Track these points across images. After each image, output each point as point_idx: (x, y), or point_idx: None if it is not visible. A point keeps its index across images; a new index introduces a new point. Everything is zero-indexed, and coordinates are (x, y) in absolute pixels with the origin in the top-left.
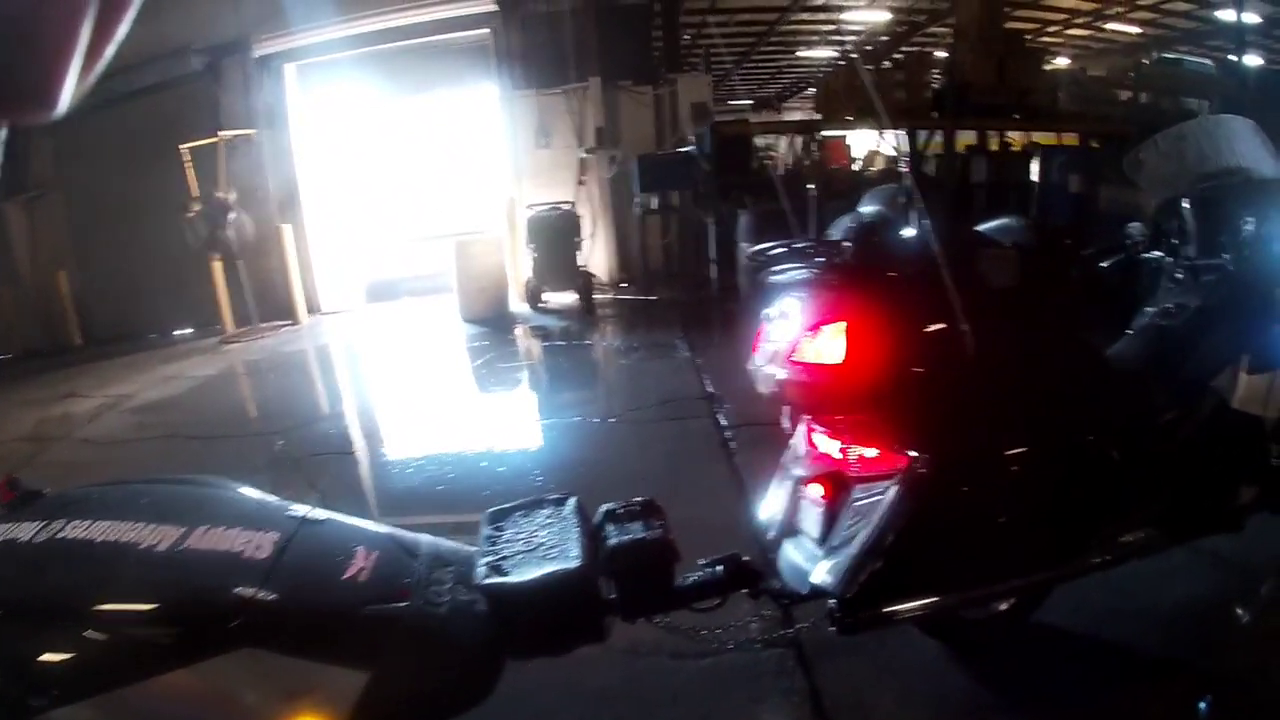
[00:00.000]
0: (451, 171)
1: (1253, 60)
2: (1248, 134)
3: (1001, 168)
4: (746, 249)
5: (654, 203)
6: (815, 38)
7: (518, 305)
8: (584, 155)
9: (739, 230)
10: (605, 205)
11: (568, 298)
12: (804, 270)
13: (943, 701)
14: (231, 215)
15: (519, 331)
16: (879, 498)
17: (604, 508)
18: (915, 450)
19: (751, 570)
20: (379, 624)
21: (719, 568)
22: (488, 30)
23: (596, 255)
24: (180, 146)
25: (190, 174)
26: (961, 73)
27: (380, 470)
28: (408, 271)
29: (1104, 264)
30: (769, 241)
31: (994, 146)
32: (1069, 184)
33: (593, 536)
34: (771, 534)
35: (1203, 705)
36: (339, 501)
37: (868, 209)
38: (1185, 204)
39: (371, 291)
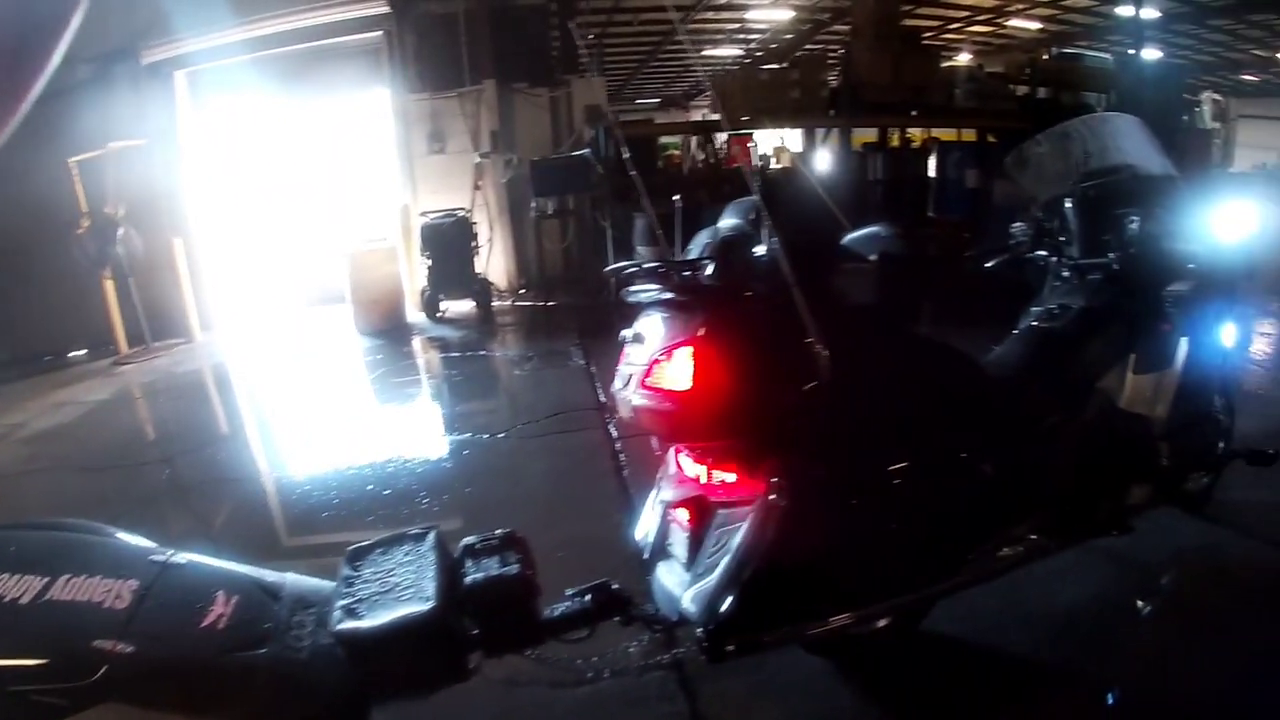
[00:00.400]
0: (347, 179)
1: (1150, 55)
2: (1133, 131)
3: (898, 164)
4: (643, 252)
5: (550, 207)
6: (720, 36)
7: (415, 315)
8: (479, 160)
9: (635, 234)
10: (502, 210)
11: (466, 306)
12: (657, 291)
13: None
14: (120, 231)
15: (415, 343)
16: (739, 524)
17: (464, 542)
18: (773, 475)
19: (621, 598)
20: (239, 672)
21: (587, 597)
22: (380, 33)
23: (495, 262)
24: (69, 160)
25: (79, 188)
26: (857, 71)
27: (264, 497)
28: (305, 282)
29: (989, 264)
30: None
31: (895, 143)
32: (965, 179)
33: (450, 573)
34: (645, 556)
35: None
36: (222, 532)
37: (727, 223)
38: (1068, 203)
39: (267, 304)
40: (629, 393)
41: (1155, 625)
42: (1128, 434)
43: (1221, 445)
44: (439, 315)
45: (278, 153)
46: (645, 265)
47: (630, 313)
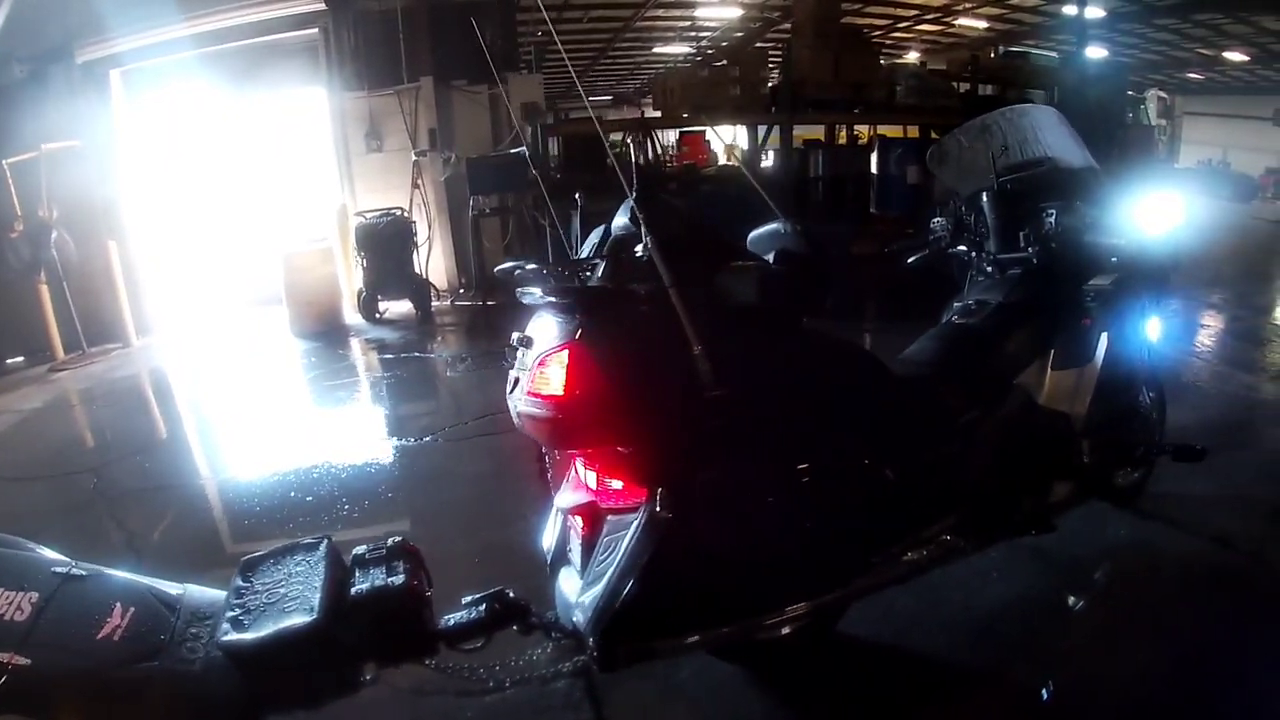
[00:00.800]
0: (286, 179)
1: (1095, 53)
2: (1053, 123)
3: (839, 161)
4: (586, 251)
5: (488, 208)
6: (671, 34)
7: (353, 317)
8: (415, 158)
9: (573, 231)
10: (441, 209)
11: (405, 307)
12: (543, 293)
13: None
14: (54, 235)
15: (350, 346)
16: (624, 532)
17: (354, 552)
18: (656, 483)
19: (518, 606)
20: (133, 684)
21: (482, 606)
22: (317, 30)
23: (434, 261)
24: (1, 162)
25: (12, 191)
26: (797, 68)
27: (187, 505)
28: (243, 284)
29: (911, 260)
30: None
31: (842, 140)
32: (907, 175)
33: (338, 584)
34: (549, 563)
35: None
36: (141, 541)
37: (619, 222)
38: (984, 197)
39: (205, 307)
40: (515, 398)
41: (1081, 624)
42: (1047, 431)
43: (1149, 441)
44: (377, 316)
45: (215, 153)
46: (533, 266)
47: (525, 314)
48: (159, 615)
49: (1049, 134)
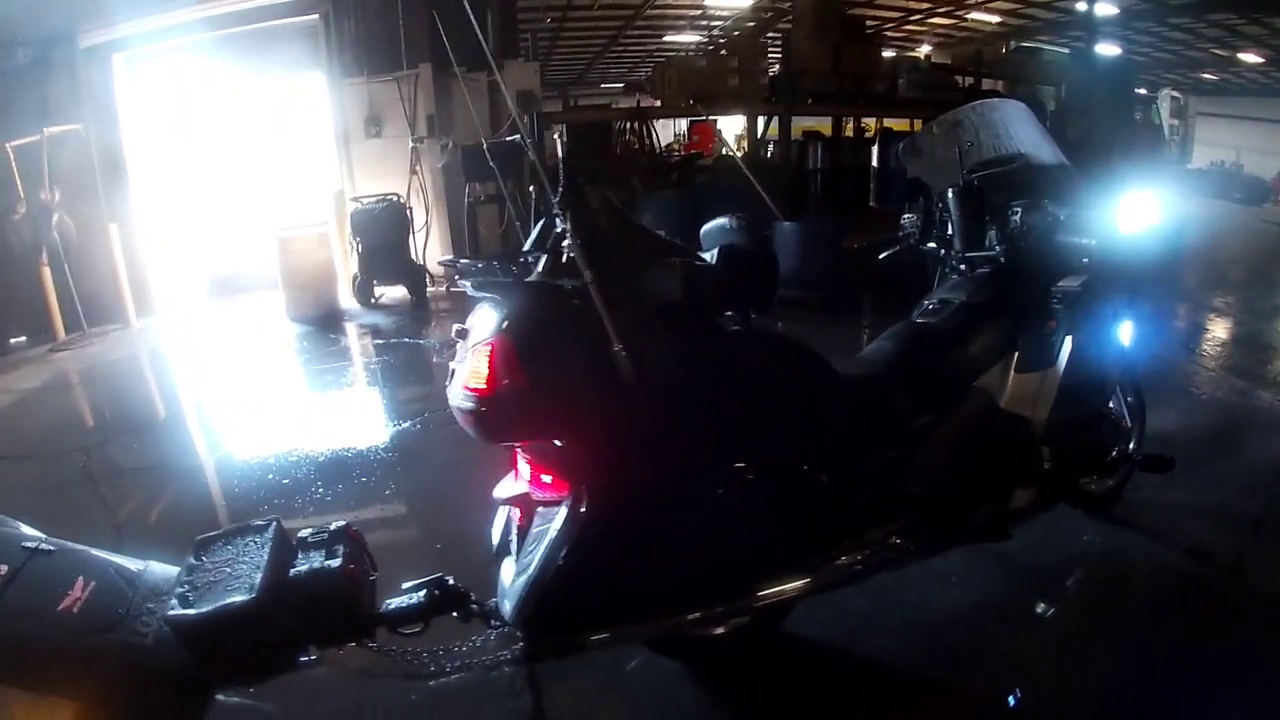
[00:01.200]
0: (285, 164)
1: (1107, 50)
2: (1023, 118)
3: (840, 153)
4: None
5: (484, 195)
6: (682, 22)
7: (349, 301)
8: (413, 145)
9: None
10: (439, 195)
11: (400, 292)
12: (473, 287)
13: None
14: (55, 217)
15: (343, 331)
16: (549, 525)
17: (299, 534)
18: (577, 478)
19: (458, 593)
20: (87, 655)
21: (422, 592)
22: (317, 16)
23: (432, 247)
24: (4, 145)
25: (15, 174)
26: (796, 59)
27: (169, 485)
28: (242, 266)
29: (883, 256)
30: None
31: (849, 132)
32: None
33: (280, 566)
34: (494, 552)
35: None
36: (120, 518)
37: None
38: (950, 193)
39: (204, 289)
40: (451, 390)
41: (1037, 635)
42: (1006, 435)
43: (1121, 448)
44: (373, 302)
45: (216, 137)
46: (466, 261)
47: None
48: (118, 590)
49: (1020, 129)
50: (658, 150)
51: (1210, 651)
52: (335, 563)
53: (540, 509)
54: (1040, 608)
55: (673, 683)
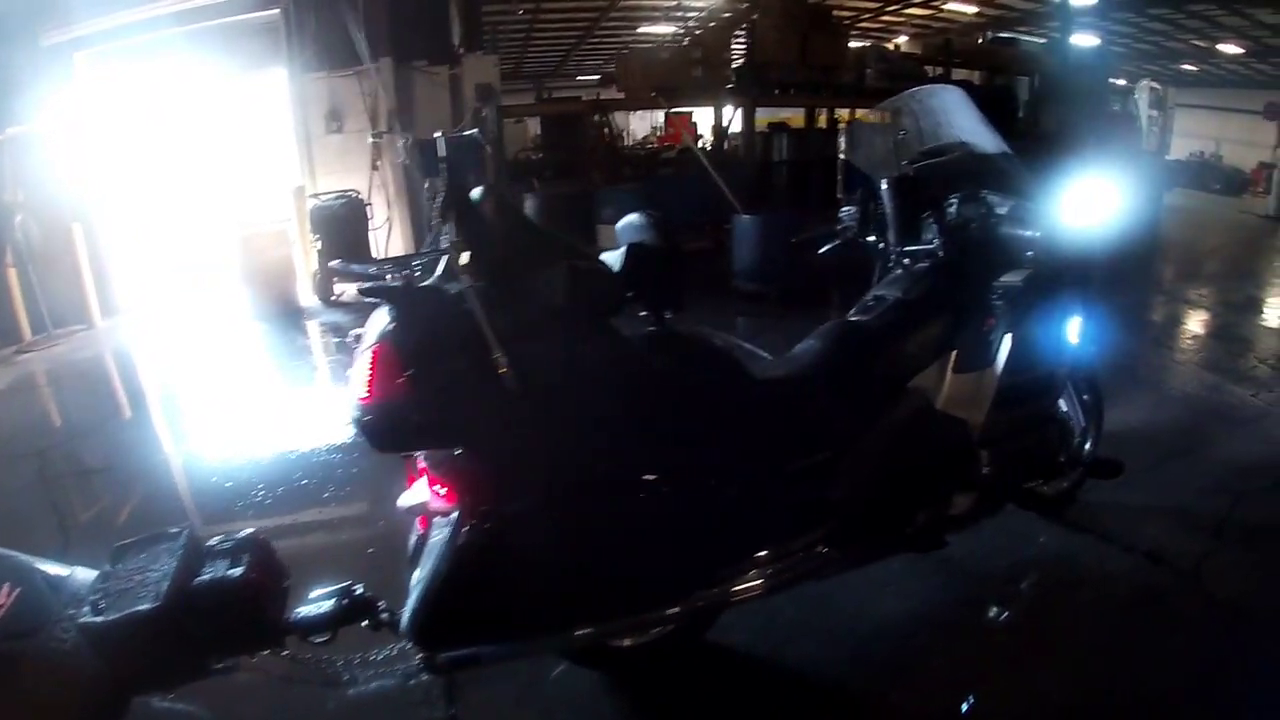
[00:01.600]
0: (247, 160)
1: (1084, 41)
2: (962, 104)
3: (805, 145)
4: None
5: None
6: (657, 14)
7: (310, 299)
8: (372, 140)
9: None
10: (400, 191)
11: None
12: (360, 292)
13: None
14: (18, 218)
15: (301, 329)
16: (441, 536)
17: (208, 542)
18: (464, 490)
19: (366, 602)
20: (6, 660)
21: (330, 600)
22: (278, 11)
23: (394, 244)
24: None
25: None
26: (762, 49)
27: (120, 488)
28: (204, 264)
29: (823, 250)
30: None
31: (822, 124)
32: None
33: (187, 574)
34: (409, 559)
35: None
36: (72, 523)
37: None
38: (884, 185)
39: (167, 287)
40: (346, 396)
41: (977, 644)
42: (942, 439)
43: (1072, 450)
44: (333, 299)
45: (178, 134)
46: (370, 262)
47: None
48: (43, 596)
49: (959, 117)
50: (621, 143)
51: (1162, 663)
52: (238, 571)
53: (438, 519)
54: (983, 616)
55: (593, 692)
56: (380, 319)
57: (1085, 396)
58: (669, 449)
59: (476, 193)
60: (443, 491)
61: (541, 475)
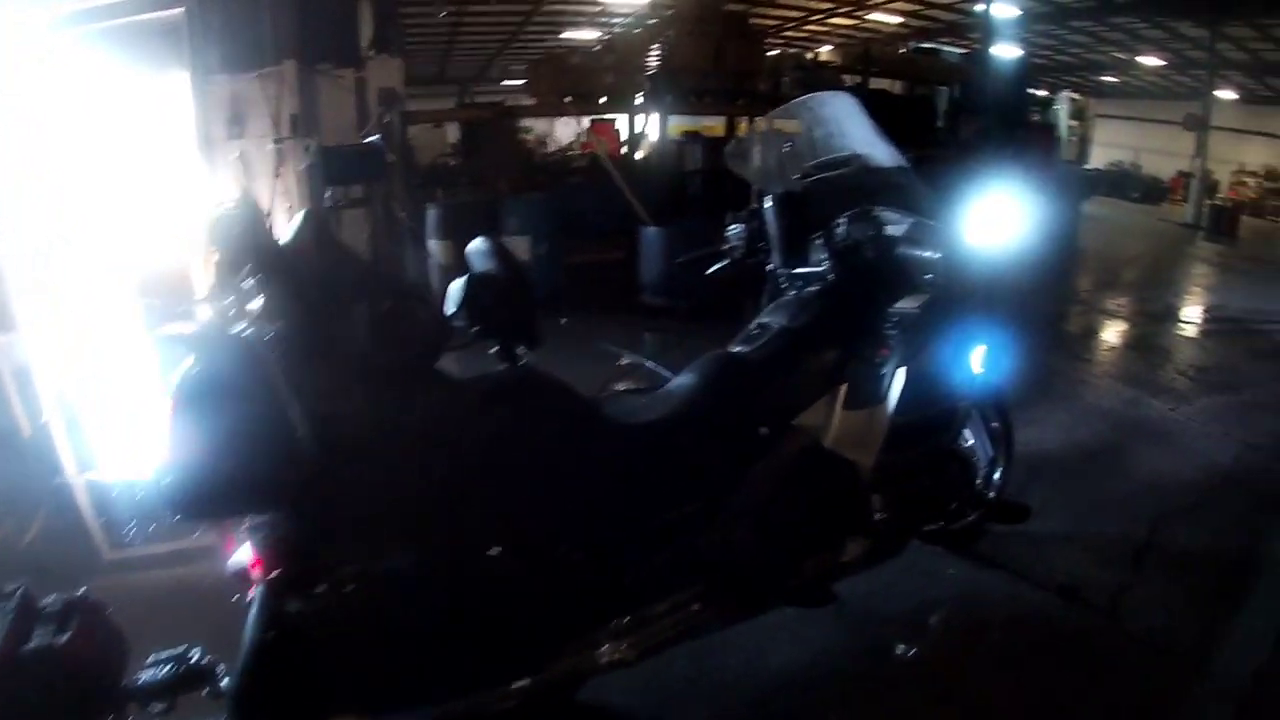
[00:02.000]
0: (148, 168)
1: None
2: (853, 113)
3: (719, 154)
4: (435, 246)
5: (345, 199)
6: (581, 19)
7: (208, 313)
8: (273, 146)
9: (428, 225)
10: (303, 200)
11: (259, 304)
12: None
13: None
14: None
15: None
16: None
17: (40, 604)
18: (267, 559)
19: (203, 669)
20: None
21: (167, 666)
22: (182, 10)
23: None
24: None
25: None
26: (676, 56)
27: None
28: (101, 277)
29: (710, 270)
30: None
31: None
32: None
33: (18, 638)
34: None
35: None
36: None
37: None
38: (766, 202)
39: (65, 300)
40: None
41: (877, 695)
42: (830, 482)
43: (976, 485)
44: (231, 314)
45: (75, 142)
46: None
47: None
48: None
49: (852, 126)
50: (541, 150)
51: (1074, 713)
52: (62, 639)
53: (257, 588)
54: (884, 665)
55: None
56: (183, 368)
57: (994, 424)
58: (499, 513)
59: (296, 221)
60: (252, 559)
61: (350, 545)
